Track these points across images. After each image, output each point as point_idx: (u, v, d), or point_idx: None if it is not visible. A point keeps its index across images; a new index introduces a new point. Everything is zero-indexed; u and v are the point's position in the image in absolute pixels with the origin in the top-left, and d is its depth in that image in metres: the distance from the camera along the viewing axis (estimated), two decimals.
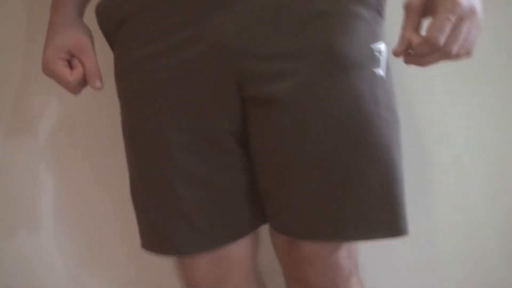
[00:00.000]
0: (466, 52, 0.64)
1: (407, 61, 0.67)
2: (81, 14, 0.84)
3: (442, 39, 0.60)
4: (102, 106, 1.01)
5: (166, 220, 0.77)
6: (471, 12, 0.61)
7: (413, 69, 0.69)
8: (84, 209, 1.09)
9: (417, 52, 0.64)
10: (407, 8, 0.64)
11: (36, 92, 1.05)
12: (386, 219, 0.70)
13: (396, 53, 0.65)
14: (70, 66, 0.79)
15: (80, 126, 1.07)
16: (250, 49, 0.69)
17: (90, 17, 0.83)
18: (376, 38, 0.70)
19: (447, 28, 0.60)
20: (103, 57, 0.82)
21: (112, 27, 0.79)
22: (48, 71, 0.78)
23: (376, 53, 0.69)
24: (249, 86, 0.71)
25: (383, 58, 0.70)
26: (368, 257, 0.98)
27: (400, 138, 0.73)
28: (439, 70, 0.86)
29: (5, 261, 1.09)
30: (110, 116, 0.92)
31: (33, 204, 1.08)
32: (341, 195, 0.70)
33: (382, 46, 0.70)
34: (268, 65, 0.69)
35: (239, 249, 0.82)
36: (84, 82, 0.79)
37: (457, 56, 0.64)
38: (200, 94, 0.73)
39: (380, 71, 0.70)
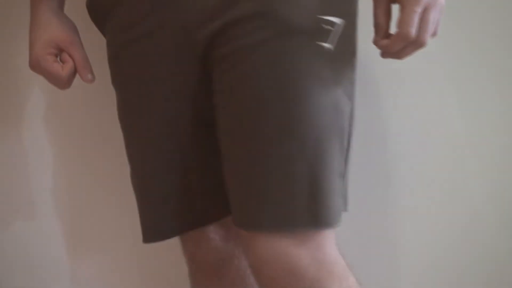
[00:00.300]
0: (433, 36, 0.67)
1: (383, 55, 0.70)
2: (62, 7, 0.84)
3: (413, 32, 0.64)
4: (96, 88, 1.00)
5: (149, 207, 0.80)
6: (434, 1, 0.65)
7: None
8: (83, 194, 1.10)
9: (391, 50, 0.67)
10: None
11: (25, 76, 1.04)
12: (306, 210, 0.67)
13: (376, 43, 0.69)
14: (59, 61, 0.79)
15: (74, 110, 1.07)
16: (203, 24, 0.70)
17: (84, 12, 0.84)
18: (328, 10, 0.68)
19: (416, 20, 0.64)
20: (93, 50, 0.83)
21: (101, 18, 0.80)
22: (38, 68, 0.78)
23: (325, 25, 0.67)
24: (210, 60, 0.72)
25: (334, 32, 0.68)
26: (364, 239, 1.00)
27: (344, 122, 0.70)
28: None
29: (4, 251, 1.09)
30: (106, 98, 0.91)
31: (29, 191, 1.08)
32: (255, 179, 0.68)
33: (336, 20, 0.68)
34: (221, 35, 0.70)
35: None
36: (73, 75, 0.79)
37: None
38: (171, 77, 0.74)
39: (327, 45, 0.67)
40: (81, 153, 1.08)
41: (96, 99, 1.04)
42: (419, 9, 0.64)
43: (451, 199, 1.07)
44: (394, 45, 0.66)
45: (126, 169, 0.83)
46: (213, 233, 0.84)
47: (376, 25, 0.69)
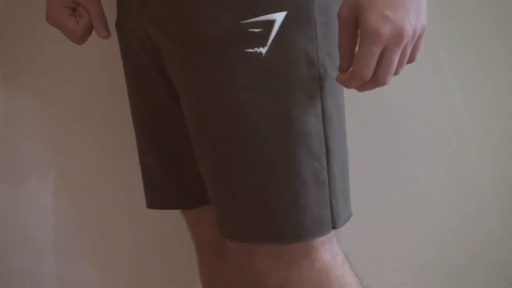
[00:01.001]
0: (410, 62, 0.60)
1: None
2: None
3: (368, 74, 0.56)
4: (103, 63, 1.01)
5: (146, 180, 0.84)
6: (399, 37, 0.54)
7: None
8: (86, 169, 1.09)
9: (347, 86, 0.60)
10: (338, 17, 0.57)
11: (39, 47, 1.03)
12: (259, 223, 0.63)
13: (340, 80, 0.60)
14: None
15: (81, 88, 1.06)
16: (151, 31, 0.69)
17: None
18: (254, 12, 0.59)
19: (372, 62, 0.55)
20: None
21: None
22: (53, 20, 0.77)
23: (253, 30, 0.59)
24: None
25: (272, 33, 0.60)
26: (367, 237, 1.00)
27: (309, 124, 0.62)
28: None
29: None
30: (111, 75, 0.92)
31: (32, 166, 1.08)
32: (211, 189, 0.67)
33: (271, 18, 0.60)
34: (160, 47, 0.69)
35: None
36: (89, 31, 0.79)
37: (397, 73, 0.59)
38: (142, 68, 0.75)
39: (260, 50, 0.60)
40: (87, 124, 1.07)
41: (106, 70, 1.02)
42: (377, 50, 0.54)
43: (455, 198, 1.06)
44: (350, 83, 0.58)
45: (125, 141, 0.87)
46: (212, 211, 0.84)
47: (339, 53, 0.59)
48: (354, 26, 0.56)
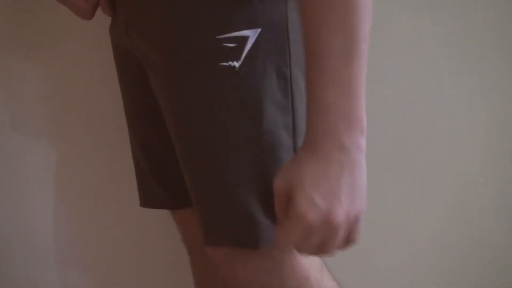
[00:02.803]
0: (349, 244, 0.59)
1: None
2: None
3: (290, 242, 0.58)
4: (102, 62, 1.01)
5: (138, 179, 0.86)
6: (329, 227, 0.54)
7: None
8: (86, 171, 1.08)
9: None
10: (274, 189, 0.59)
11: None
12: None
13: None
14: None
15: (80, 87, 1.05)
16: (137, 43, 0.70)
17: None
18: (229, 28, 0.62)
19: (293, 240, 0.57)
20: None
21: None
22: None
23: (227, 45, 0.62)
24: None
25: (246, 48, 0.62)
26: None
27: (279, 137, 0.64)
28: None
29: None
30: (109, 73, 0.92)
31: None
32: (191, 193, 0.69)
33: (245, 34, 0.62)
34: (145, 58, 0.70)
35: None
36: (96, 8, 0.79)
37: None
38: (132, 74, 0.78)
39: (234, 64, 0.62)
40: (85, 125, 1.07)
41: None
42: (301, 233, 0.55)
43: (454, 201, 1.05)
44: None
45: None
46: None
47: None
48: (288, 201, 0.56)
